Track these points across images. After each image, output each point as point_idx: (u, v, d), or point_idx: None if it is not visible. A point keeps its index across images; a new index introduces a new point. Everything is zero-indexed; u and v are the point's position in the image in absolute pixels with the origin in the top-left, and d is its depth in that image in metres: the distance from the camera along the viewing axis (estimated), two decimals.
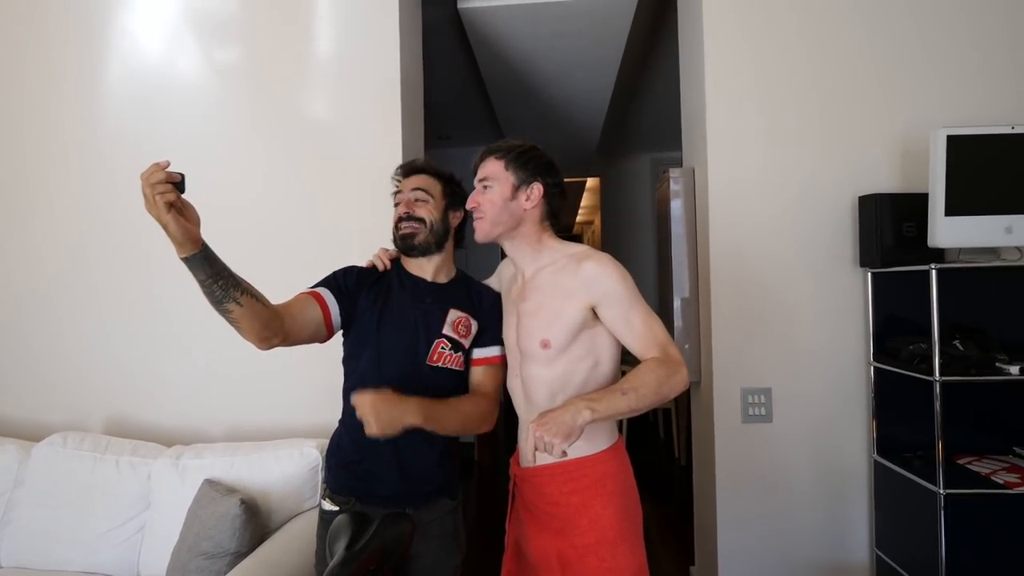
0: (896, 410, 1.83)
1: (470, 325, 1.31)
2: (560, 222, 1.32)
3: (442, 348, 1.27)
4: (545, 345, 1.18)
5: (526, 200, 1.23)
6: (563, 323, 1.17)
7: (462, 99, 3.71)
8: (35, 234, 2.12)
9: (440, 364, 1.27)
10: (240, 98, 2.06)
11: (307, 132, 2.04)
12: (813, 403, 1.91)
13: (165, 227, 0.95)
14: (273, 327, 1.10)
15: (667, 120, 4.32)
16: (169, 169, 0.94)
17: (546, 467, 1.20)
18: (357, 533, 0.83)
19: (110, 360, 2.07)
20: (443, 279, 1.35)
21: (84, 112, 2.11)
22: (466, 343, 1.31)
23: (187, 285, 2.04)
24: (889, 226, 1.77)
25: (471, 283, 1.40)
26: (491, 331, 1.35)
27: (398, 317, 1.26)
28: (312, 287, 1.25)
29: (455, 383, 1.31)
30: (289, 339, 1.15)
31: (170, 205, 0.93)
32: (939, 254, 1.76)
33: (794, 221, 1.91)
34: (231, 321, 1.07)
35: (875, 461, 1.85)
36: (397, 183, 1.38)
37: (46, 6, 2.13)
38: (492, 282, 1.43)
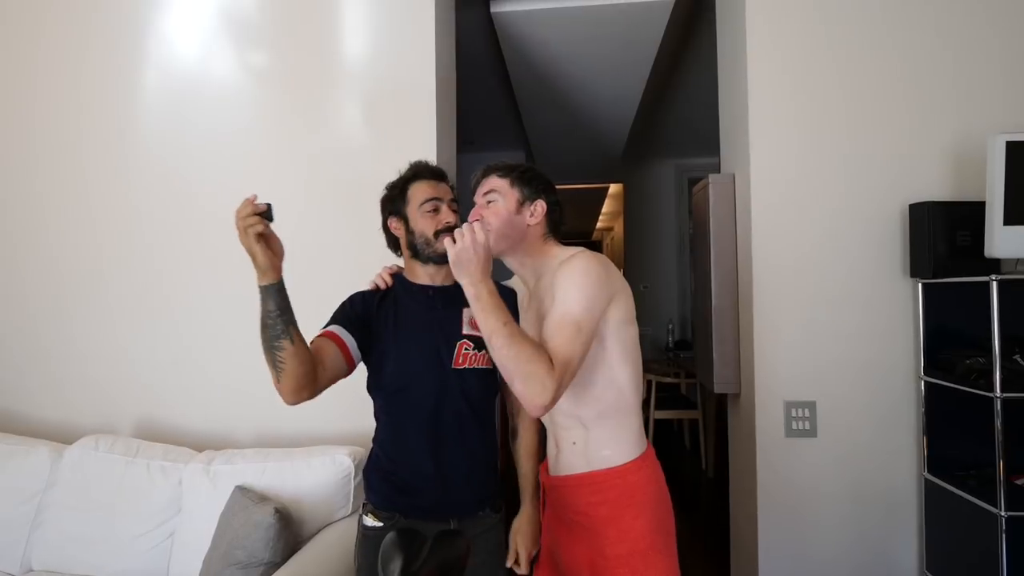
0: (948, 426, 1.76)
1: None
2: (560, 235, 1.30)
3: (466, 349, 1.25)
4: None
5: (530, 216, 1.22)
6: None
7: (488, 104, 3.69)
8: (69, 235, 2.12)
9: (466, 366, 1.24)
10: (272, 106, 2.05)
11: (339, 139, 2.02)
12: (860, 417, 1.83)
13: (253, 256, 1.02)
14: (311, 376, 1.11)
15: (694, 127, 4.27)
16: (254, 199, 1.03)
17: (572, 477, 1.18)
18: (411, 553, 0.80)
19: (139, 362, 2.07)
20: (448, 281, 1.31)
21: (115, 115, 2.11)
22: None
23: (218, 289, 2.04)
24: (942, 235, 1.70)
25: None
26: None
27: (413, 328, 1.24)
28: (324, 328, 1.22)
29: (485, 383, 1.28)
30: (317, 391, 1.15)
31: (259, 236, 1.01)
32: (995, 264, 1.68)
33: (840, 228, 1.85)
34: (278, 361, 1.07)
35: (926, 480, 1.77)
36: (422, 187, 1.31)
37: (81, 14, 2.14)
38: (517, 284, 1.41)
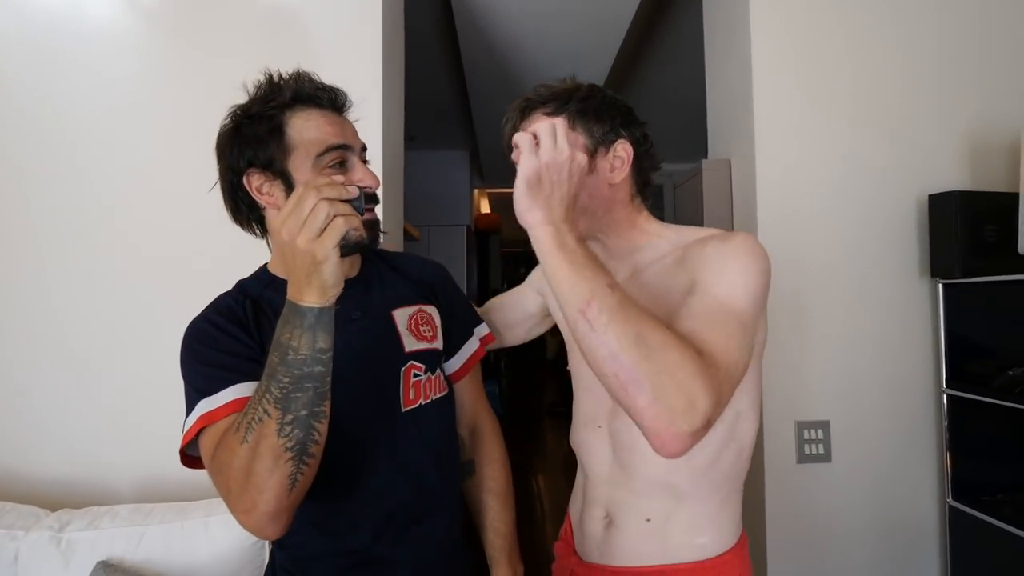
0: (973, 445, 1.56)
1: (431, 317, 0.88)
2: (649, 194, 0.89)
3: (416, 375, 0.83)
4: None
5: (611, 170, 0.81)
6: None
7: (433, 98, 3.36)
8: None
9: (420, 402, 0.83)
10: (168, 56, 1.59)
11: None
12: (877, 438, 1.61)
13: (321, 264, 0.60)
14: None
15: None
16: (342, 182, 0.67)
17: (641, 570, 0.82)
18: None
19: None
20: (353, 272, 0.87)
21: None
22: (439, 345, 0.88)
23: (83, 287, 1.52)
24: (967, 230, 1.52)
25: (388, 257, 0.94)
26: (457, 318, 0.94)
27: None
28: (223, 401, 0.71)
29: (447, 416, 0.90)
30: None
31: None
32: (1022, 262, 1.51)
33: (850, 225, 1.62)
34: (311, 442, 0.64)
35: (949, 506, 1.56)
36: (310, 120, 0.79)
37: None
38: (529, 292, 1.06)
